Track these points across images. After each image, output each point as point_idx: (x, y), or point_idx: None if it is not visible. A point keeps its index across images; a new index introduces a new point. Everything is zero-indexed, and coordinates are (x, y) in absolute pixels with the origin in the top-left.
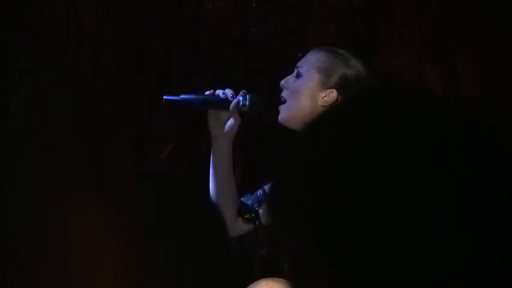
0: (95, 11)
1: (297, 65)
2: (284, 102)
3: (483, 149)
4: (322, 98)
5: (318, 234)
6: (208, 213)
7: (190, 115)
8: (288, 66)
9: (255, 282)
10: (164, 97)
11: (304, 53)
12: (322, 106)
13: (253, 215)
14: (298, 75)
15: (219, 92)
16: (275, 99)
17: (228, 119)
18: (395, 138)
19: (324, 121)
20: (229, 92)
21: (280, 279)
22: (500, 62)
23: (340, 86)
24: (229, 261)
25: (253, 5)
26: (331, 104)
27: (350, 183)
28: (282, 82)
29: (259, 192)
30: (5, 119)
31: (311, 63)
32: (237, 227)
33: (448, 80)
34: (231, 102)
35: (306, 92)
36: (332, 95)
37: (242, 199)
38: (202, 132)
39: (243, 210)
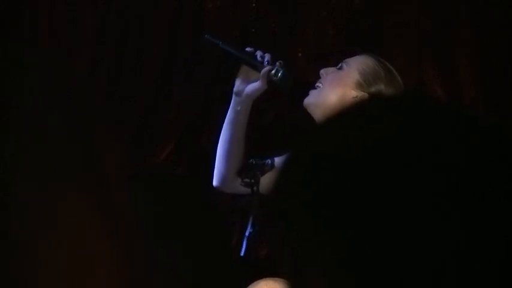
0: (94, 11)
1: (344, 61)
2: (316, 88)
3: (482, 149)
4: (353, 97)
5: (318, 232)
6: (208, 213)
7: (191, 115)
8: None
9: (255, 282)
10: (205, 35)
11: (354, 52)
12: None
13: (253, 180)
14: (340, 69)
15: (259, 53)
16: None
17: (256, 81)
18: (392, 138)
19: (343, 117)
20: (267, 56)
21: (280, 279)
22: (500, 62)
23: (374, 94)
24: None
25: (253, 5)
26: None
27: (354, 182)
28: (322, 71)
29: (268, 161)
30: (5, 119)
31: (357, 63)
32: (234, 185)
33: (447, 80)
34: (264, 66)
35: (341, 85)
36: (364, 98)
37: (249, 161)
38: (202, 132)
39: (244, 173)
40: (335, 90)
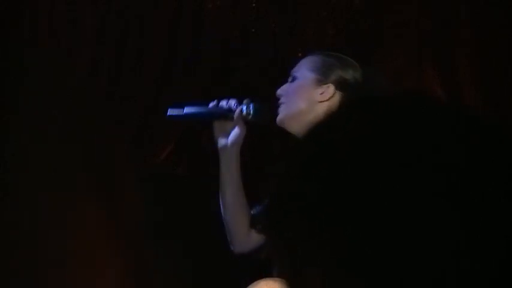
0: (94, 11)
1: (291, 72)
2: (281, 104)
3: (482, 148)
4: (320, 94)
5: (316, 233)
6: (208, 213)
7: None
8: (288, 67)
9: (255, 282)
10: (168, 112)
11: (300, 58)
12: (320, 102)
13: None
14: (293, 79)
15: (223, 102)
16: (274, 103)
17: (234, 129)
18: (392, 138)
19: (323, 123)
20: (232, 101)
21: (280, 279)
22: (500, 62)
23: (337, 82)
24: (229, 261)
25: (253, 5)
26: (329, 98)
27: (348, 184)
28: (278, 91)
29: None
30: (5, 119)
31: (305, 65)
32: (252, 239)
33: (447, 80)
34: (234, 111)
35: (302, 91)
36: (329, 89)
37: (252, 211)
38: (202, 132)
39: (255, 222)
40: (300, 97)
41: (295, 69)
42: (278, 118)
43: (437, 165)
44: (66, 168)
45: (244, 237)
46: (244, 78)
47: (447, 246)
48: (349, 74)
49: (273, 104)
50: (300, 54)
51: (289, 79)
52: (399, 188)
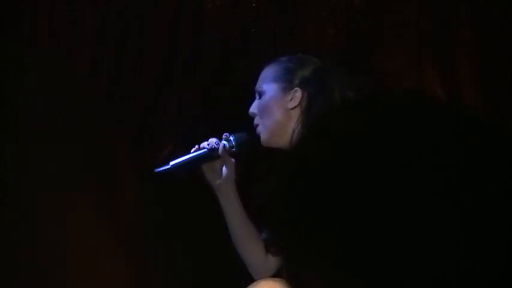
0: (94, 11)
1: (255, 89)
2: (258, 125)
3: (482, 148)
4: (290, 101)
5: (311, 237)
6: (208, 213)
7: (191, 115)
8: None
9: (255, 282)
10: (155, 170)
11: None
12: (293, 108)
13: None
14: (260, 95)
15: (204, 144)
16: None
17: (223, 166)
18: (392, 139)
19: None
20: (213, 140)
21: (280, 279)
22: (500, 62)
23: (302, 84)
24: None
25: (253, 5)
26: (300, 102)
27: (348, 184)
28: (250, 111)
29: None
30: (5, 119)
31: (266, 79)
32: (270, 263)
33: (447, 80)
34: (218, 149)
35: (273, 104)
36: (297, 93)
37: (263, 236)
38: (202, 132)
39: (269, 245)
40: (273, 111)
41: (258, 84)
42: (261, 140)
43: (437, 165)
44: (66, 168)
45: (263, 264)
46: (244, 78)
47: (447, 246)
48: (309, 71)
49: (251, 126)
50: (300, 54)
51: (256, 96)
52: (399, 188)
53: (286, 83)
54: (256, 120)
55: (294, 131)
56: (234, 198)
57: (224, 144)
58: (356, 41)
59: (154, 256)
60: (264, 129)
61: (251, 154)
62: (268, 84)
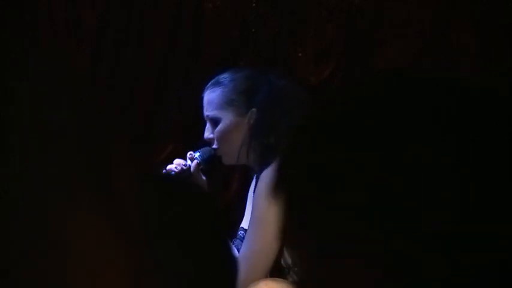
0: (94, 11)
1: (206, 115)
2: (217, 151)
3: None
4: (247, 123)
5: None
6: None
7: (191, 115)
8: (288, 66)
9: (255, 282)
10: None
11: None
12: (249, 127)
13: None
14: (215, 122)
15: (170, 166)
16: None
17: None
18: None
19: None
20: (180, 161)
21: (280, 279)
22: (500, 62)
23: (252, 101)
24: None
25: (253, 5)
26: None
27: (348, 179)
28: (205, 137)
29: (241, 232)
30: (5, 120)
31: (218, 104)
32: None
33: None
34: (187, 170)
35: (232, 130)
36: (253, 114)
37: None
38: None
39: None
40: (234, 138)
41: (211, 108)
42: (226, 162)
43: (434, 160)
44: (65, 169)
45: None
46: None
47: (447, 245)
48: (263, 90)
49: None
50: (299, 54)
51: (208, 120)
52: (398, 186)
53: (242, 108)
54: (215, 146)
55: (242, 146)
56: None
57: (189, 165)
58: (356, 41)
59: (155, 257)
60: (224, 156)
61: (218, 167)
62: (221, 111)
